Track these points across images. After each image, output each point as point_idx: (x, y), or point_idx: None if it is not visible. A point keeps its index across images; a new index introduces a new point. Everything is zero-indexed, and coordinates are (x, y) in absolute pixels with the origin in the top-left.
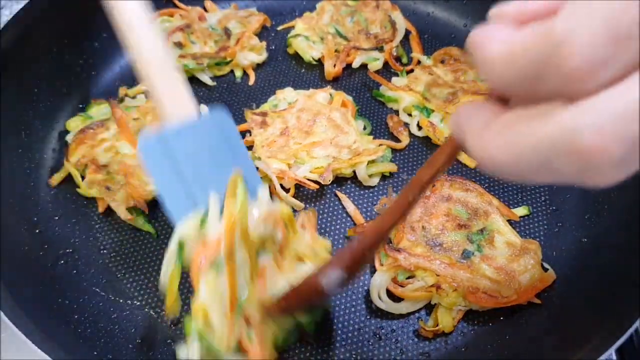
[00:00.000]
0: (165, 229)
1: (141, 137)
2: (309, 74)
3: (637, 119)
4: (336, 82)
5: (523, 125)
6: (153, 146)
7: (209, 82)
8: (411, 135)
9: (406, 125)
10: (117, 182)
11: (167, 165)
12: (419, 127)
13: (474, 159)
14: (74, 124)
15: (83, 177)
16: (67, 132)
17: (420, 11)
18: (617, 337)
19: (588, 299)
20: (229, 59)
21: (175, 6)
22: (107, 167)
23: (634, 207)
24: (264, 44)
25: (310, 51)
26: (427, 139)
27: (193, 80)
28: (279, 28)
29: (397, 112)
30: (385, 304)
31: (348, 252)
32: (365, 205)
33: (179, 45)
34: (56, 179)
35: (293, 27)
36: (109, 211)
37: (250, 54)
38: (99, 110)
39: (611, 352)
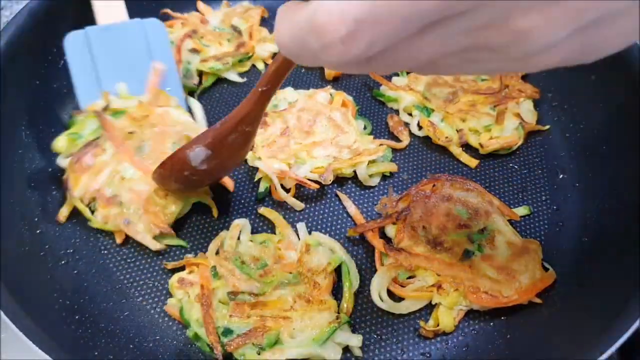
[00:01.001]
0: (192, 240)
1: (68, 35)
2: (309, 74)
3: (358, 2)
4: (336, 82)
5: (296, 11)
6: (76, 40)
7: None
8: (411, 135)
9: (406, 125)
10: (134, 213)
11: (87, 59)
12: (420, 127)
13: (278, 46)
14: (61, 144)
15: (91, 209)
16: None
17: None
18: (617, 337)
19: (589, 298)
20: (250, 54)
21: (169, 17)
22: (117, 197)
23: (634, 207)
24: None
25: None
26: (427, 138)
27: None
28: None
29: (397, 112)
30: (385, 303)
31: (211, 132)
32: (365, 205)
33: (195, 51)
34: (63, 213)
35: None
36: None
37: (267, 45)
38: (84, 125)
39: (611, 352)
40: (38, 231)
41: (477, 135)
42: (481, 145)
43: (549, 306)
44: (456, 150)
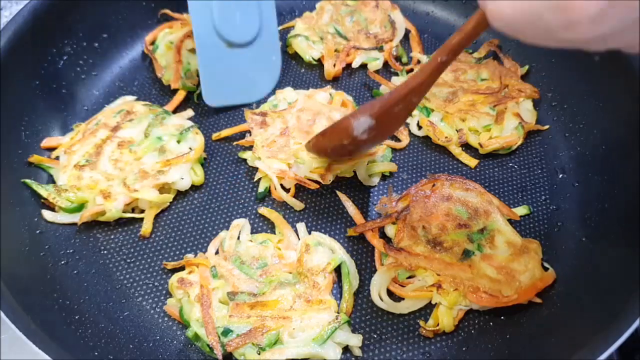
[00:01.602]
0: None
1: None
2: (308, 74)
3: None
4: (336, 82)
5: None
6: None
7: None
8: (411, 134)
9: (406, 124)
10: None
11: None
12: (419, 127)
13: (491, 18)
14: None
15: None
16: (66, 130)
17: (419, 11)
18: (617, 337)
19: (588, 298)
20: None
21: (170, 19)
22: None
23: (634, 206)
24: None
25: (310, 51)
26: (427, 138)
27: None
28: (279, 28)
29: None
30: (385, 303)
31: (378, 101)
32: (365, 205)
33: (194, 51)
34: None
35: (293, 27)
36: None
37: None
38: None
39: (611, 352)
40: (38, 231)
41: (477, 135)
42: (481, 145)
43: (549, 306)
44: (456, 150)
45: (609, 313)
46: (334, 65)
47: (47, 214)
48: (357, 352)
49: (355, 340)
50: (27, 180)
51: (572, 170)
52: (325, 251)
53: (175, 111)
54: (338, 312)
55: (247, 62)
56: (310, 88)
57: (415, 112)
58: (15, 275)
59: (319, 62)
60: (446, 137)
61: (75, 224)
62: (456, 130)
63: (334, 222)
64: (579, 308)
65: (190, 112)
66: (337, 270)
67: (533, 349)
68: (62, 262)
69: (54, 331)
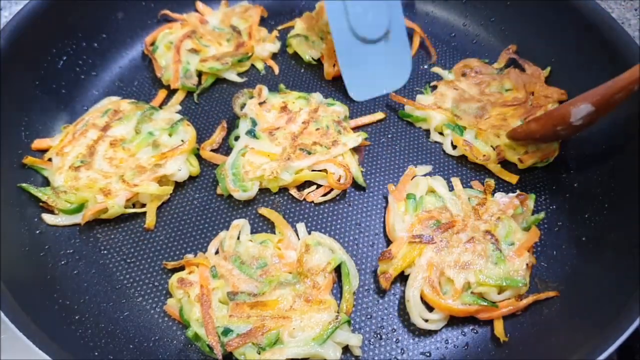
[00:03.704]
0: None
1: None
2: (308, 74)
3: None
4: (335, 81)
5: None
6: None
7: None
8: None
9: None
10: None
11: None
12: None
13: None
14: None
15: None
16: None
17: (419, 11)
18: (617, 337)
19: (588, 298)
20: (249, 54)
21: (170, 19)
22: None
23: (633, 207)
24: (275, 33)
25: (309, 51)
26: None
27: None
28: (279, 28)
29: (427, 132)
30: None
31: (600, 89)
32: (369, 208)
33: (194, 51)
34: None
35: (293, 27)
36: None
37: (267, 45)
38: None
39: (611, 352)
40: (38, 231)
41: (514, 151)
42: (520, 160)
43: (549, 306)
44: (495, 168)
45: (609, 313)
46: (334, 66)
47: (47, 218)
48: (357, 352)
49: (355, 340)
50: (24, 185)
51: (572, 170)
52: (325, 251)
53: (160, 106)
54: (338, 312)
55: (381, 56)
56: (309, 88)
57: (447, 132)
58: (15, 275)
59: (319, 62)
60: (484, 156)
61: (75, 224)
62: (492, 147)
63: (334, 222)
64: (579, 308)
65: (177, 106)
66: (337, 270)
67: (533, 349)
68: (62, 262)
69: (54, 331)
